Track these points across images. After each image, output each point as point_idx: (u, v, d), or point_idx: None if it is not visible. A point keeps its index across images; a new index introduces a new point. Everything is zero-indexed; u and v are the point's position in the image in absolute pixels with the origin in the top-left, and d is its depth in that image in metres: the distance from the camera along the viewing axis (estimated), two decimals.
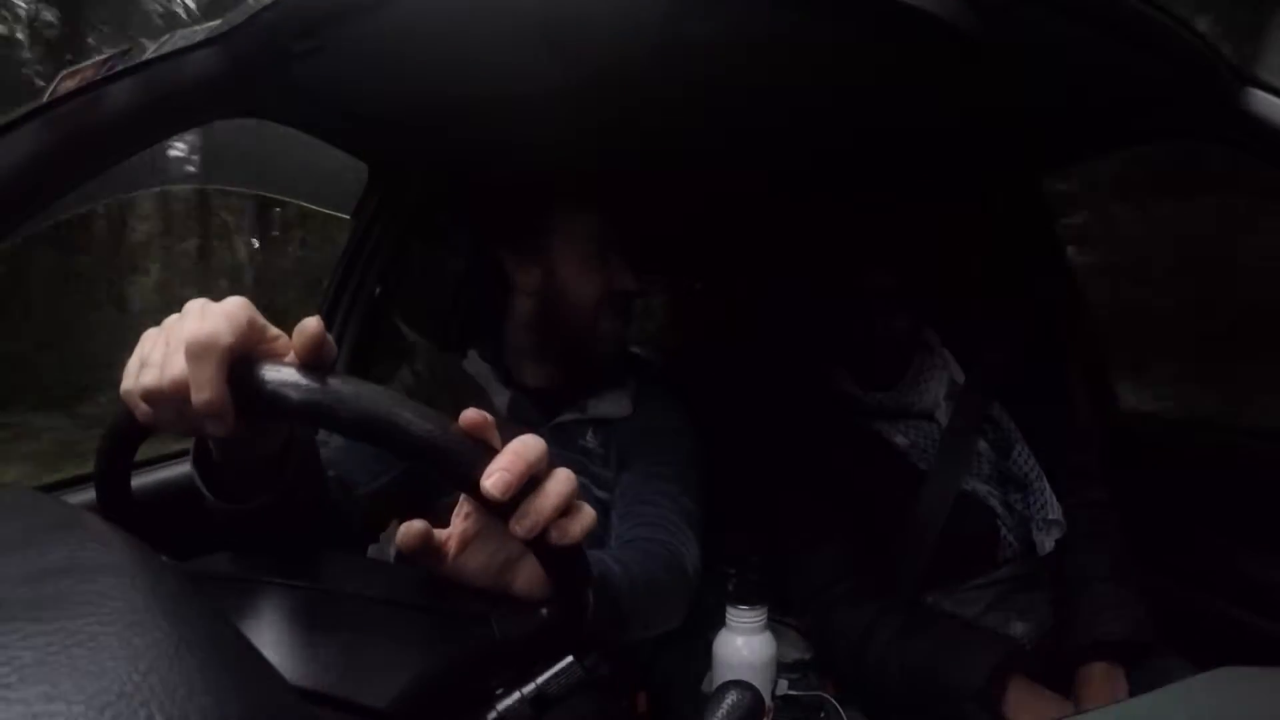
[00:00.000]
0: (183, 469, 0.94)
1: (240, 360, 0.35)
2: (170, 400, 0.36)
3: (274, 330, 0.38)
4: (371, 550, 0.98)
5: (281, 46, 0.68)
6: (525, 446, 0.36)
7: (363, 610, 0.40)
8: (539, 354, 0.92)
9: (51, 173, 0.59)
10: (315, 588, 0.40)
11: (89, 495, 0.60)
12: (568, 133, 0.99)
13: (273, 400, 0.35)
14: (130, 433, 0.42)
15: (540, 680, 0.38)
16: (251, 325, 0.36)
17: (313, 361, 0.36)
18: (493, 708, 0.37)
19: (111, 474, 0.46)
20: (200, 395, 0.34)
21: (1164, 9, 0.63)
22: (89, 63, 0.63)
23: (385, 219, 1.17)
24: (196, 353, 0.34)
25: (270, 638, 0.36)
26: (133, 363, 0.38)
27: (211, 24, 0.67)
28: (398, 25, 0.68)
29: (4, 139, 0.55)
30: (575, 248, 0.88)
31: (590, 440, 0.89)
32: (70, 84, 0.61)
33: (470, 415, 0.36)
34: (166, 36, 0.67)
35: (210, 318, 0.35)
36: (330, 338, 0.37)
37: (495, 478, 0.34)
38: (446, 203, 1.24)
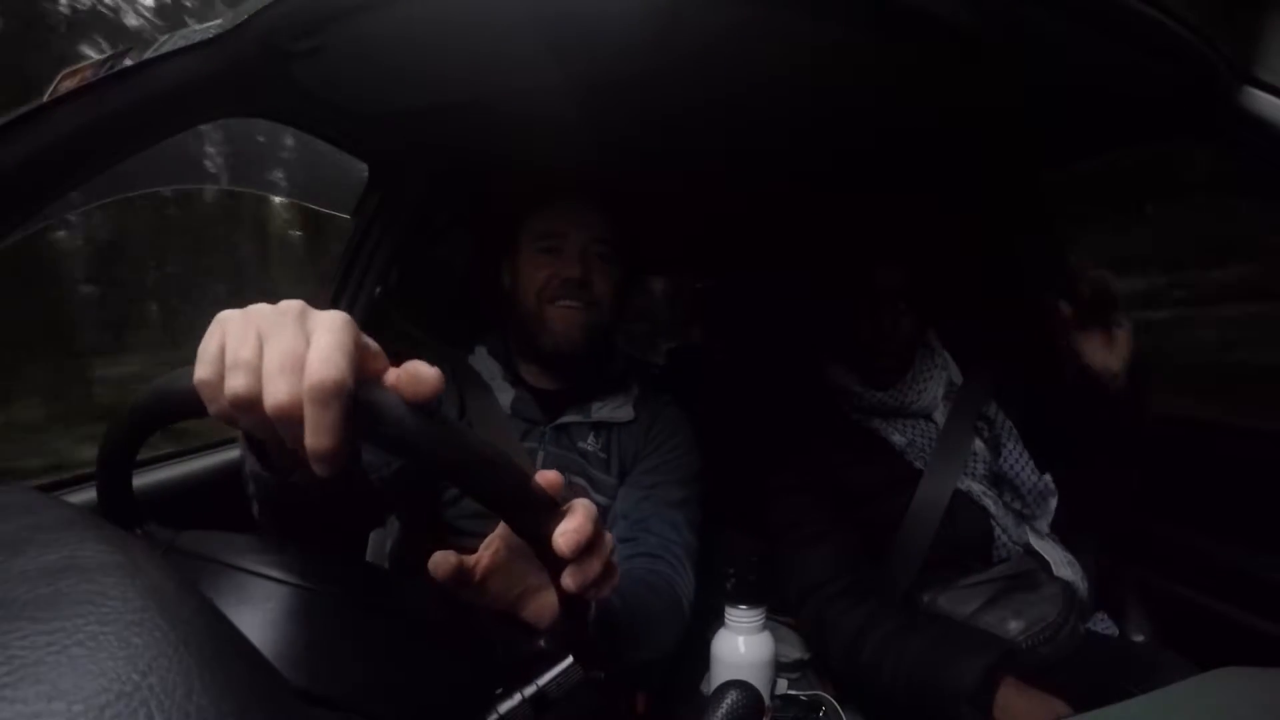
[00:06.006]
0: (183, 469, 0.94)
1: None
2: (270, 423, 0.33)
3: (374, 347, 0.36)
4: (373, 538, 0.98)
5: (281, 46, 0.68)
6: (590, 511, 0.40)
7: (365, 615, 0.40)
8: (524, 352, 0.93)
9: (51, 173, 0.59)
10: (319, 589, 0.40)
11: (89, 495, 0.60)
12: (568, 133, 0.99)
13: (382, 438, 0.34)
14: (133, 431, 0.42)
15: (541, 681, 0.38)
16: (363, 353, 0.35)
17: (422, 404, 0.35)
18: (493, 709, 0.37)
19: (112, 473, 0.46)
20: (320, 441, 0.32)
21: (1164, 8, 0.63)
22: (89, 62, 0.63)
23: (385, 219, 1.17)
24: (322, 399, 0.32)
25: (271, 638, 0.36)
26: (212, 349, 0.34)
27: (211, 24, 0.67)
28: (398, 25, 0.68)
29: (4, 139, 0.55)
30: (530, 242, 0.90)
31: (590, 443, 0.89)
32: (70, 84, 0.61)
33: (550, 476, 0.41)
34: (166, 37, 0.66)
35: (331, 355, 0.32)
36: (442, 383, 0.36)
37: (569, 538, 0.38)
38: (446, 203, 1.24)
